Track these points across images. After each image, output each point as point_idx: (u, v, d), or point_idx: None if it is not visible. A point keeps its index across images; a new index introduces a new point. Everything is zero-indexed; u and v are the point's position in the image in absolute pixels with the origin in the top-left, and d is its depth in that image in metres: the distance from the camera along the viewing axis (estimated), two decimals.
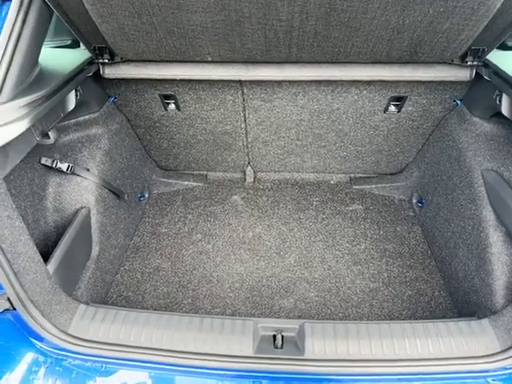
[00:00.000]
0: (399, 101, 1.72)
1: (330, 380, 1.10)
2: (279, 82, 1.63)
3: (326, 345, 1.11)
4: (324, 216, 2.03)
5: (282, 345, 1.15)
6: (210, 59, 1.43)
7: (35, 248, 1.13)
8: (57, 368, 1.14)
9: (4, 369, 1.11)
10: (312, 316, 1.54)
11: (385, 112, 1.78)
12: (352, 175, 2.26)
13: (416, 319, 1.24)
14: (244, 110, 1.79)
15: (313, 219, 2.01)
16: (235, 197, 2.19)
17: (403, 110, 1.76)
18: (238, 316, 1.53)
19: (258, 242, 1.88)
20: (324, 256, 1.81)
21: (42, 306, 1.14)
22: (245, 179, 2.26)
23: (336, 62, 1.48)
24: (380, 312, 1.58)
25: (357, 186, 2.21)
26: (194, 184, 2.24)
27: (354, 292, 1.66)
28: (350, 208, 2.09)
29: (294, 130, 1.89)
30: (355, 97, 1.71)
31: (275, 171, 2.26)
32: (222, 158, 2.17)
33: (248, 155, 2.13)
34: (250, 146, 2.05)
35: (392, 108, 1.76)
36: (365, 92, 1.68)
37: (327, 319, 1.53)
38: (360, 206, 2.10)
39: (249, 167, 2.22)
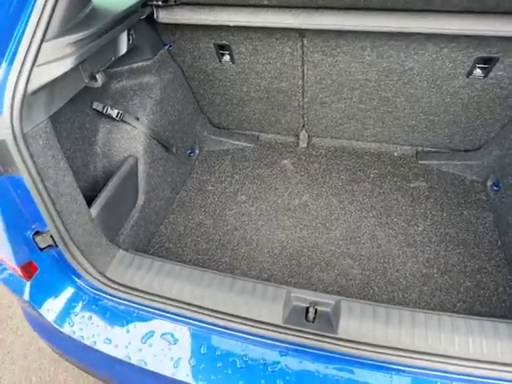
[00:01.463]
0: (488, 63, 1.45)
1: (361, 364, 1.02)
2: (344, 33, 1.44)
3: (362, 326, 1.02)
4: (381, 191, 1.86)
5: (314, 319, 1.09)
6: (266, 2, 1.29)
7: (79, 190, 1.16)
8: (93, 306, 1.20)
9: (45, 300, 1.19)
10: (352, 294, 1.44)
11: (468, 76, 1.52)
12: (419, 148, 2.03)
13: (472, 315, 1.09)
14: (303, 65, 1.64)
15: (367, 193, 1.85)
16: (285, 161, 2.09)
17: (491, 74, 1.48)
18: (273, 282, 1.49)
19: (304, 211, 1.79)
20: (374, 233, 1.67)
21: (82, 246, 1.19)
22: (297, 144, 2.14)
23: (412, 11, 1.26)
24: (430, 300, 1.43)
25: (423, 161, 1.98)
26: (245, 144, 2.18)
27: (402, 275, 1.52)
28: (413, 185, 1.89)
29: (358, 91, 1.71)
30: (433, 55, 1.47)
31: (331, 137, 2.10)
32: (275, 118, 2.06)
33: (303, 117, 2.00)
34: (306, 106, 1.90)
35: (477, 71, 1.49)
36: (445, 50, 1.43)
37: (368, 300, 1.42)
38: (424, 184, 1.89)
39: (303, 131, 2.09)
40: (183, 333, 1.14)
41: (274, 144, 2.18)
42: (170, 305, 1.14)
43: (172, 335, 1.14)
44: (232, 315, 1.09)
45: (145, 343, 1.13)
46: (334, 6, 1.29)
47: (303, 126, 2.07)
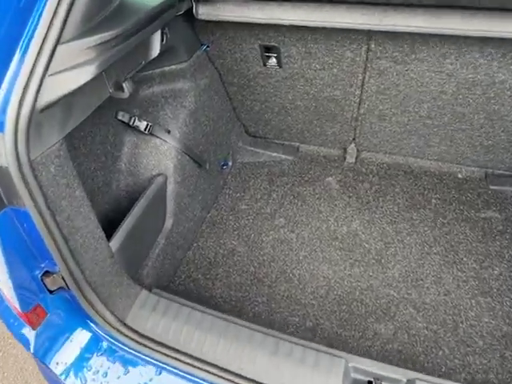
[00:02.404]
0: None
1: None
2: (425, 37, 1.19)
3: None
4: (445, 221, 1.59)
5: None
6: None
7: (97, 222, 0.98)
8: (109, 359, 1.02)
9: (54, 351, 1.02)
10: (417, 356, 1.20)
11: None
12: (489, 171, 1.74)
13: None
14: (364, 72, 1.40)
15: (429, 223, 1.59)
16: (330, 179, 1.85)
17: None
18: (319, 332, 1.27)
19: (354, 242, 1.55)
20: (440, 275, 1.41)
21: (99, 288, 1.00)
22: (344, 158, 1.89)
23: None
24: None
25: (495, 187, 1.69)
26: (283, 157, 1.95)
27: (478, 333, 1.25)
28: (483, 215, 1.61)
29: (428, 104, 1.44)
30: None
31: (385, 152, 1.84)
32: (320, 129, 1.82)
33: (355, 130, 1.75)
34: (360, 118, 1.65)
35: None
36: None
37: (438, 364, 1.17)
38: (497, 215, 1.60)
39: (352, 144, 1.84)
40: None
41: (317, 157, 1.94)
42: (200, 368, 0.94)
43: None
44: None
45: None
46: (415, 3, 1.04)
47: (353, 139, 1.82)
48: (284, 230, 1.61)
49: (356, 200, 1.72)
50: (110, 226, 1.16)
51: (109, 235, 1.13)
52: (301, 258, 1.50)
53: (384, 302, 1.34)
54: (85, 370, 1.02)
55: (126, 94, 0.99)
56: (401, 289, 1.38)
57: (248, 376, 0.92)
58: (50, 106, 0.78)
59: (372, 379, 0.93)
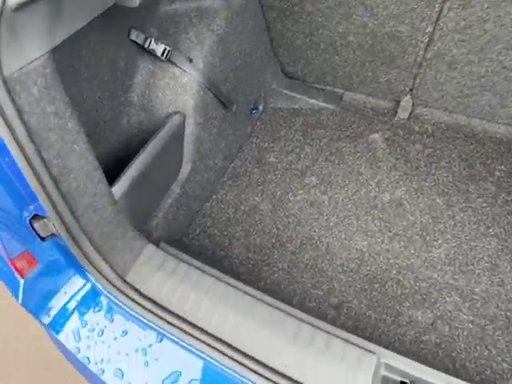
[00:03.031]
0: None
1: None
2: None
3: None
4: (508, 198, 1.35)
5: None
6: None
7: (96, 163, 0.82)
8: (107, 318, 0.92)
9: (48, 301, 0.93)
10: (459, 353, 1.04)
11: None
12: None
13: None
14: (444, 2, 1.10)
15: (489, 198, 1.35)
16: (376, 135, 1.60)
17: None
18: (345, 310, 1.13)
19: (396, 212, 1.34)
20: (496, 262, 1.21)
21: (97, 239, 0.88)
22: (395, 112, 1.62)
23: None
24: None
25: None
26: (323, 105, 1.70)
27: None
28: None
29: None
30: None
31: (446, 110, 1.56)
32: (373, 74, 1.54)
33: (415, 78, 1.47)
34: (425, 64, 1.37)
35: None
36: None
37: (482, 365, 1.02)
38: None
39: (408, 96, 1.56)
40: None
41: (363, 108, 1.68)
42: (205, 343, 0.82)
43: None
44: (293, 380, 0.76)
45: (147, 367, 0.85)
46: None
47: (410, 89, 1.54)
48: (315, 191, 1.43)
49: (404, 163, 1.49)
50: (117, 168, 1.01)
51: (115, 179, 0.99)
52: (331, 224, 1.33)
53: (424, 286, 1.17)
54: (80, 325, 0.93)
55: (135, 2, 0.78)
56: (446, 272, 1.19)
57: (260, 360, 0.80)
58: (28, 3, 0.59)
59: (407, 381, 0.79)
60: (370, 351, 0.79)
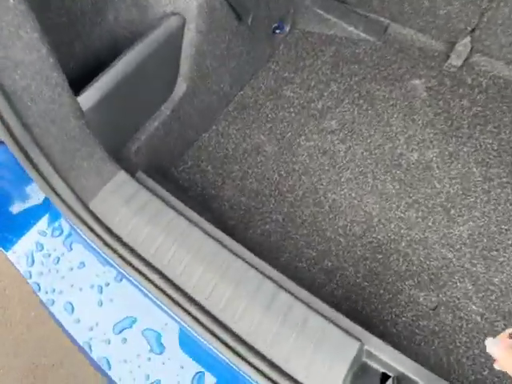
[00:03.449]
0: None
1: None
2: None
3: None
4: None
5: None
6: None
7: (54, 60, 0.66)
8: (66, 243, 0.83)
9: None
10: (457, 345, 0.92)
11: None
12: None
13: None
14: None
15: None
16: (417, 81, 1.35)
17: None
18: (338, 278, 1.00)
19: (422, 176, 1.15)
20: None
21: (57, 155, 0.74)
22: (447, 57, 1.34)
23: None
24: None
25: None
26: (362, 35, 1.43)
27: None
28: None
29: None
30: None
31: (509, 62, 1.27)
32: (430, 4, 1.25)
33: (482, 15, 1.17)
34: None
35: None
36: None
37: (481, 364, 0.90)
38: None
39: (467, 38, 1.28)
40: (172, 339, 0.75)
41: (409, 47, 1.40)
42: (166, 294, 0.72)
43: (158, 337, 0.76)
44: (260, 355, 0.66)
45: (118, 334, 0.76)
46: None
47: (472, 30, 1.25)
48: (332, 138, 1.23)
49: (444, 120, 1.25)
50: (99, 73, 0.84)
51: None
52: (343, 179, 1.15)
53: (435, 266, 1.02)
54: (35, 248, 0.84)
55: None
56: (464, 254, 1.03)
57: (226, 323, 0.69)
58: None
59: (390, 375, 0.68)
60: (353, 336, 0.67)
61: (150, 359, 0.72)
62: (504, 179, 1.14)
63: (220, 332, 0.68)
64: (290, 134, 1.24)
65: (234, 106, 1.30)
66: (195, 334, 0.70)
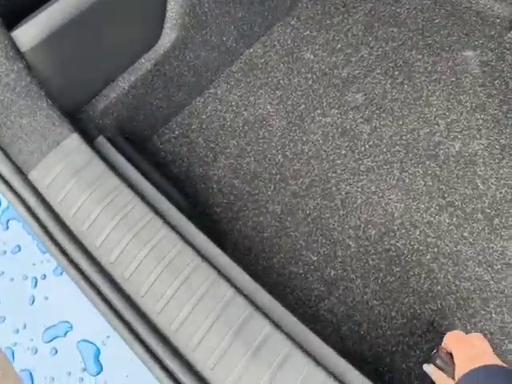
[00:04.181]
0: None
1: None
2: None
3: None
4: None
5: None
6: None
7: None
8: (2, 219, 0.67)
9: None
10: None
11: None
12: None
13: None
14: None
15: None
16: (470, 53, 1.10)
17: None
18: (340, 290, 0.82)
19: (463, 173, 0.93)
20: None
21: None
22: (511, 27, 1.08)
23: None
24: None
25: None
26: None
27: None
28: None
29: None
30: None
31: None
32: None
33: None
34: None
35: None
36: None
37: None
38: None
39: None
40: (114, 357, 0.60)
41: (463, 9, 1.15)
42: (105, 298, 0.57)
43: (96, 352, 0.60)
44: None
45: (48, 343, 0.61)
46: None
47: None
48: (355, 115, 1.02)
49: (498, 104, 1.02)
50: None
51: None
52: (362, 168, 0.95)
53: (466, 288, 0.81)
54: None
55: None
56: (506, 277, 0.83)
57: (176, 346, 0.53)
58: None
59: None
60: (340, 381, 0.50)
61: (82, 380, 0.57)
62: None
63: (171, 363, 0.52)
64: (303, 106, 1.03)
65: (239, 67, 1.10)
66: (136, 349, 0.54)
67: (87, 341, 0.59)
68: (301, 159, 0.96)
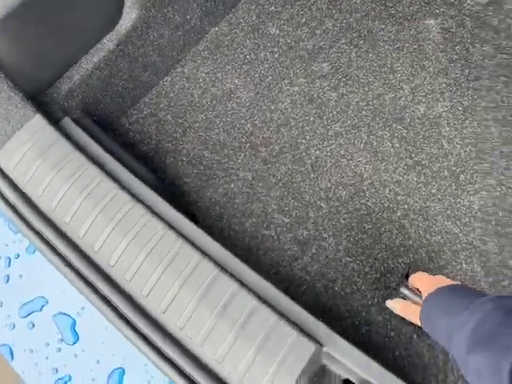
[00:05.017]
0: None
1: None
2: None
3: None
4: None
5: None
6: None
7: None
8: None
9: None
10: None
11: None
12: None
13: None
14: None
15: None
16: (432, 21, 1.14)
17: None
18: (313, 249, 0.84)
19: (429, 134, 0.97)
20: None
21: None
22: None
23: None
24: None
25: None
26: None
27: None
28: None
29: None
30: None
31: None
32: None
33: None
34: None
35: None
36: None
37: None
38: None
39: None
40: (89, 327, 0.60)
41: None
42: (77, 271, 0.58)
43: (72, 324, 0.61)
44: (189, 355, 0.51)
45: (24, 318, 0.61)
46: None
47: None
48: (322, 83, 1.04)
49: (460, 68, 1.06)
50: None
51: None
52: (331, 133, 0.97)
53: (437, 241, 0.85)
54: None
55: None
56: (473, 229, 0.86)
57: (149, 312, 0.54)
58: None
59: (354, 382, 0.53)
60: (311, 336, 0.52)
61: (60, 350, 0.59)
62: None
63: (142, 325, 0.54)
64: (270, 77, 1.06)
65: (206, 45, 1.11)
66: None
67: (63, 313, 0.62)
68: (270, 127, 0.98)
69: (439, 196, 0.90)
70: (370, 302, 0.80)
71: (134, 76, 0.98)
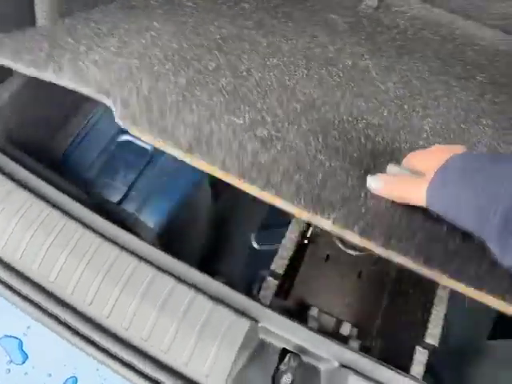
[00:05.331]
0: None
1: None
2: None
3: None
4: (497, 100, 1.06)
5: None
6: None
7: None
8: None
9: None
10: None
11: None
12: None
13: None
14: None
15: (474, 94, 1.05)
16: (336, 16, 1.25)
17: None
18: (277, 147, 0.65)
19: (363, 76, 0.96)
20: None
21: None
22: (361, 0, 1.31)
23: None
24: None
25: None
26: None
27: None
28: None
29: None
30: None
31: (432, 4, 1.29)
32: None
33: None
34: None
35: None
36: None
37: None
38: None
39: None
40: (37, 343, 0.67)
41: None
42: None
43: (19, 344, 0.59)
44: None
45: None
46: None
47: None
48: (250, 31, 0.98)
49: (371, 44, 1.14)
50: None
51: None
52: (269, 63, 0.87)
53: (407, 148, 0.76)
54: None
55: None
56: (435, 142, 0.80)
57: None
58: None
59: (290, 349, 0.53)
60: (245, 314, 0.52)
61: (9, 371, 0.70)
62: (447, 91, 1.02)
63: (89, 331, 0.55)
64: (192, 23, 0.95)
65: None
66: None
67: (8, 336, 0.65)
68: (201, 48, 0.83)
69: (393, 117, 0.84)
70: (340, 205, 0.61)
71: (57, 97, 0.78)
